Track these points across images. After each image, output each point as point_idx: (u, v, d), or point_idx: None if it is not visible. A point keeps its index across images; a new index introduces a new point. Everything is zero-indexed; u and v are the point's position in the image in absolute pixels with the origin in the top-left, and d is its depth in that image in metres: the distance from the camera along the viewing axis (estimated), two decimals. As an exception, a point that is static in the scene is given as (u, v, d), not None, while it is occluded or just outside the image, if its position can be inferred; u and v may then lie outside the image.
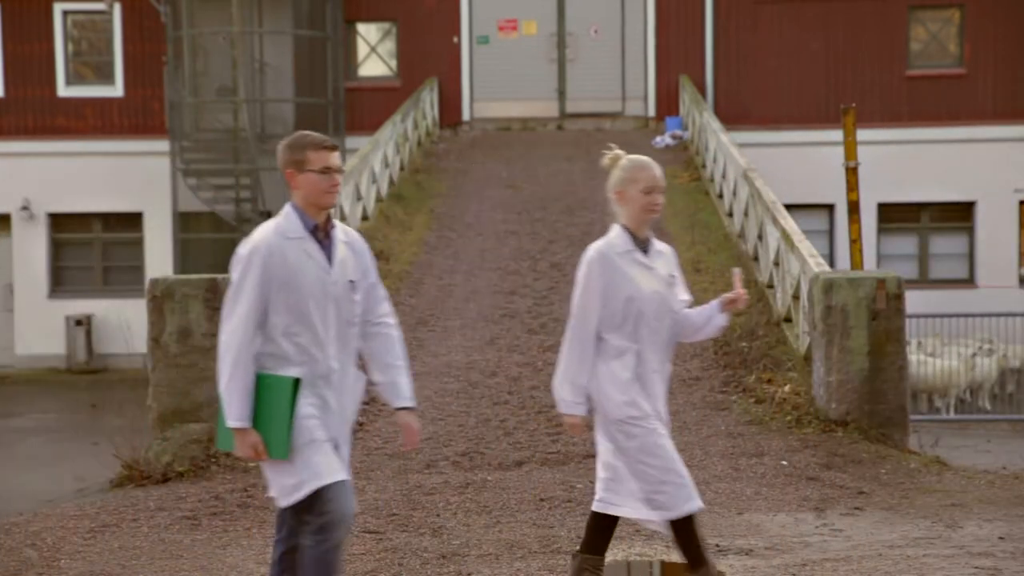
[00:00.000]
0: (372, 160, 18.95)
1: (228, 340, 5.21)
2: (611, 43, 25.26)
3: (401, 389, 5.49)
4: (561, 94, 25.32)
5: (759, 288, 14.68)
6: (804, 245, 12.53)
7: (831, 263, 23.10)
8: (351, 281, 5.38)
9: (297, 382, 5.21)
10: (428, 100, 24.38)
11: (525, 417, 11.02)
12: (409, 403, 5.49)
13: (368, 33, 25.78)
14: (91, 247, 25.66)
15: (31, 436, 17.25)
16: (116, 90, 25.26)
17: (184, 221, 24.52)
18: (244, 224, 23.63)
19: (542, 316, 14.23)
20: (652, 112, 24.96)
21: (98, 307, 24.93)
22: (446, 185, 21.00)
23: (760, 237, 15.14)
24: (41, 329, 24.97)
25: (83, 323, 24.64)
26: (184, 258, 24.45)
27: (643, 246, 5.91)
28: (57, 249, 25.64)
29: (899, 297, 10.62)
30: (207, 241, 24.61)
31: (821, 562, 7.06)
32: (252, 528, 8.30)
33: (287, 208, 5.37)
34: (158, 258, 24.71)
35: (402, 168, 21.44)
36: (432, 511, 8.49)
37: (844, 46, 24.56)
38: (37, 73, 25.26)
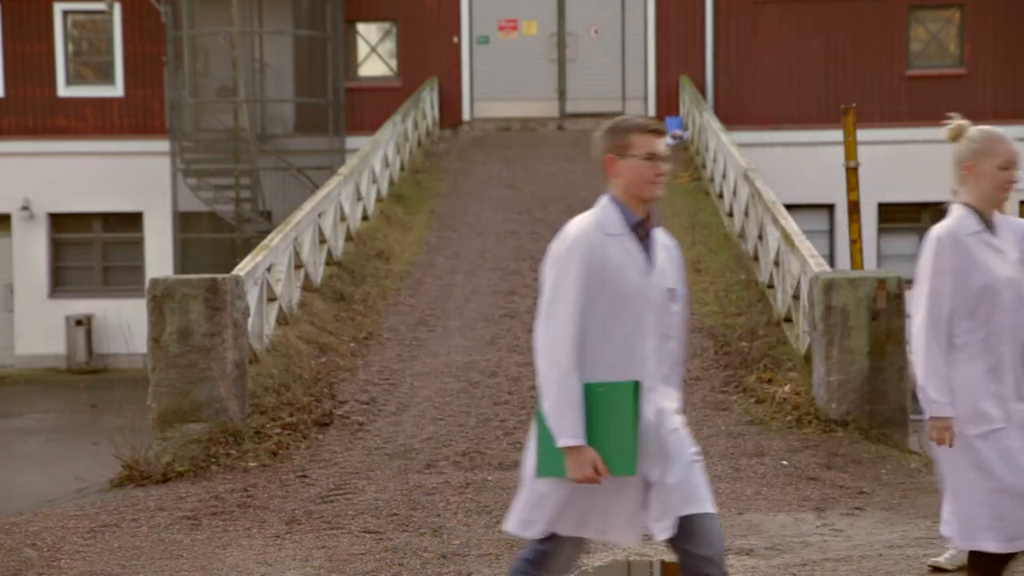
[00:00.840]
0: (372, 160, 18.95)
1: (551, 349, 4.56)
2: (611, 43, 25.26)
3: None
4: (561, 94, 25.32)
5: (759, 288, 14.69)
6: (804, 245, 12.53)
7: (831, 263, 23.10)
8: (671, 289, 4.72)
9: (638, 384, 4.55)
10: (428, 100, 24.38)
11: (525, 417, 11.01)
12: None
13: (368, 33, 25.78)
14: (91, 247, 25.66)
15: (31, 436, 17.26)
16: (116, 90, 25.27)
17: (184, 221, 24.54)
18: (244, 224, 23.68)
19: (542, 316, 14.20)
20: (652, 112, 24.95)
21: (98, 307, 24.93)
22: (446, 185, 21.00)
23: (760, 237, 15.14)
24: (41, 329, 24.98)
25: (83, 323, 24.65)
26: (184, 258, 24.46)
27: (991, 227, 5.22)
28: (57, 249, 25.64)
29: (899, 297, 10.62)
30: (207, 241, 24.62)
31: (821, 562, 7.06)
32: (252, 528, 8.29)
33: (604, 200, 4.74)
34: (158, 258, 24.71)
35: (402, 168, 21.44)
36: (432, 511, 8.49)
37: (844, 46, 24.57)
38: (37, 73, 25.26)
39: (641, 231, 4.70)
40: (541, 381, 4.61)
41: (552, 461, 4.59)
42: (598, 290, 4.59)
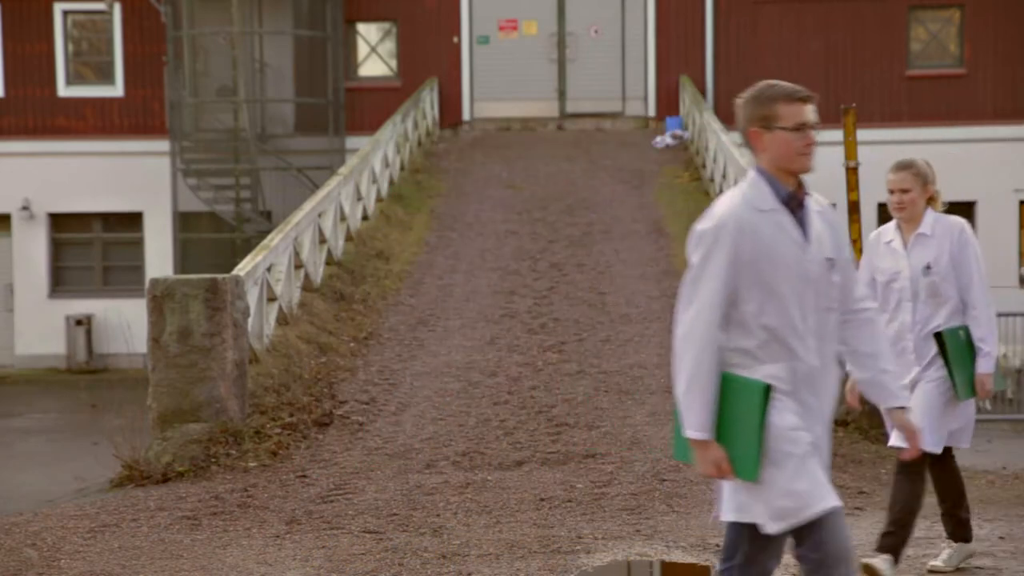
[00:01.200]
0: (372, 160, 18.95)
1: (689, 333, 4.35)
2: (611, 43, 25.26)
3: (890, 387, 4.58)
4: (561, 94, 25.31)
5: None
6: (804, 245, 12.51)
7: (831, 263, 23.07)
8: (828, 259, 4.46)
9: (768, 388, 4.33)
10: (428, 100, 24.38)
11: (525, 417, 11.01)
12: (903, 402, 4.60)
13: (368, 33, 25.78)
14: (91, 247, 25.66)
15: (31, 436, 17.25)
16: (116, 90, 25.27)
17: (184, 221, 24.53)
18: (244, 224, 23.67)
19: (542, 316, 14.23)
20: (652, 112, 24.96)
21: (98, 307, 24.93)
22: (446, 185, 21.00)
23: (760, 237, 15.13)
24: (41, 329, 24.97)
25: (83, 323, 24.64)
26: (184, 258, 24.46)
27: None
28: (57, 249, 25.64)
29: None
30: (207, 241, 24.62)
31: (821, 562, 7.05)
32: (252, 528, 8.29)
33: (752, 175, 4.48)
34: (158, 258, 24.71)
35: (402, 168, 21.44)
36: (432, 511, 8.49)
37: (844, 46, 24.56)
38: (37, 73, 25.26)
39: (794, 203, 4.45)
40: (676, 364, 4.40)
41: (685, 446, 4.43)
42: (749, 271, 4.36)
